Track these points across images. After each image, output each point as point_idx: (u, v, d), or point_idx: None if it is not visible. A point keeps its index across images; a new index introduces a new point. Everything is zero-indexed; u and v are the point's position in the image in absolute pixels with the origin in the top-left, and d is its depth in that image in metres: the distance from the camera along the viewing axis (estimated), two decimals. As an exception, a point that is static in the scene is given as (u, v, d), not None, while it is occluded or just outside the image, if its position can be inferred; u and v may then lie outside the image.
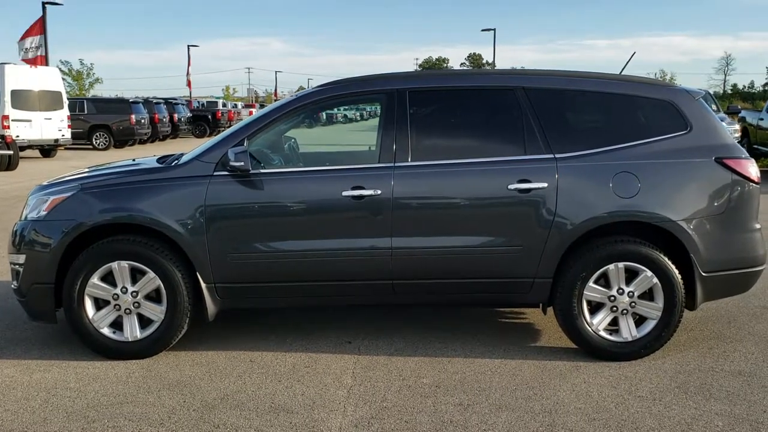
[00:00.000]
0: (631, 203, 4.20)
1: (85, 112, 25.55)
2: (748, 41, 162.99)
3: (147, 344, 4.33)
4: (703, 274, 4.26)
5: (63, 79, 23.11)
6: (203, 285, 4.31)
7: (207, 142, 4.71)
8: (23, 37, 23.60)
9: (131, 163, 5.05)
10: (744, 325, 5.00)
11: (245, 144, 4.31)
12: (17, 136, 18.61)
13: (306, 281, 4.33)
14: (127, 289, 4.28)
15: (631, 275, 4.25)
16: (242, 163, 4.19)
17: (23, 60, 23.17)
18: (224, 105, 46.05)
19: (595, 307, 4.31)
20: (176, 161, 4.60)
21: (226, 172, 4.28)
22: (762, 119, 16.31)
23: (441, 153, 4.39)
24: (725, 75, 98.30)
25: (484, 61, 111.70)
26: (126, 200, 4.29)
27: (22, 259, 4.37)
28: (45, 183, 4.74)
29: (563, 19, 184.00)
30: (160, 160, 4.93)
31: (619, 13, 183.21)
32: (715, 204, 4.27)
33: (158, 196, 4.29)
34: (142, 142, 28.12)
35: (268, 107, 4.79)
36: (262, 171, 4.33)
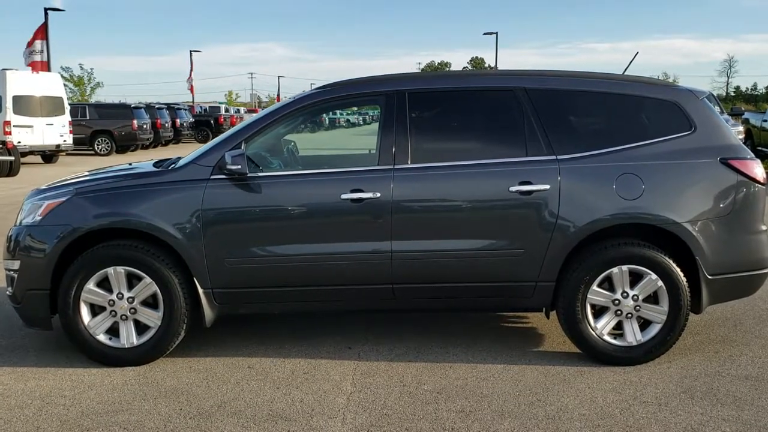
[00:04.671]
0: (634, 205, 4.14)
1: (87, 117, 25.58)
2: (750, 44, 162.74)
3: (143, 351, 4.26)
4: (709, 276, 4.19)
5: (65, 85, 23.16)
6: (200, 290, 4.25)
7: (204, 145, 4.66)
8: (30, 43, 23.70)
9: (127, 168, 5.00)
10: (750, 328, 4.93)
11: (243, 147, 4.25)
12: (19, 142, 18.66)
13: (305, 286, 4.27)
14: (123, 295, 4.22)
15: (635, 278, 4.19)
16: (239, 167, 4.13)
17: (28, 65, 23.28)
18: (227, 110, 46.18)
19: (598, 311, 4.24)
20: (173, 165, 4.55)
21: (223, 176, 4.22)
22: (766, 121, 16.26)
23: (441, 155, 4.33)
24: (728, 77, 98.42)
25: (486, 65, 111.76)
26: (122, 205, 4.23)
27: (16, 265, 4.31)
28: (41, 188, 4.69)
29: (564, 22, 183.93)
30: (156, 164, 4.87)
31: (620, 17, 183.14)
32: (720, 205, 4.20)
33: (154, 200, 4.24)
34: (145, 147, 28.15)
35: (267, 110, 4.73)
36: (260, 174, 4.28)
